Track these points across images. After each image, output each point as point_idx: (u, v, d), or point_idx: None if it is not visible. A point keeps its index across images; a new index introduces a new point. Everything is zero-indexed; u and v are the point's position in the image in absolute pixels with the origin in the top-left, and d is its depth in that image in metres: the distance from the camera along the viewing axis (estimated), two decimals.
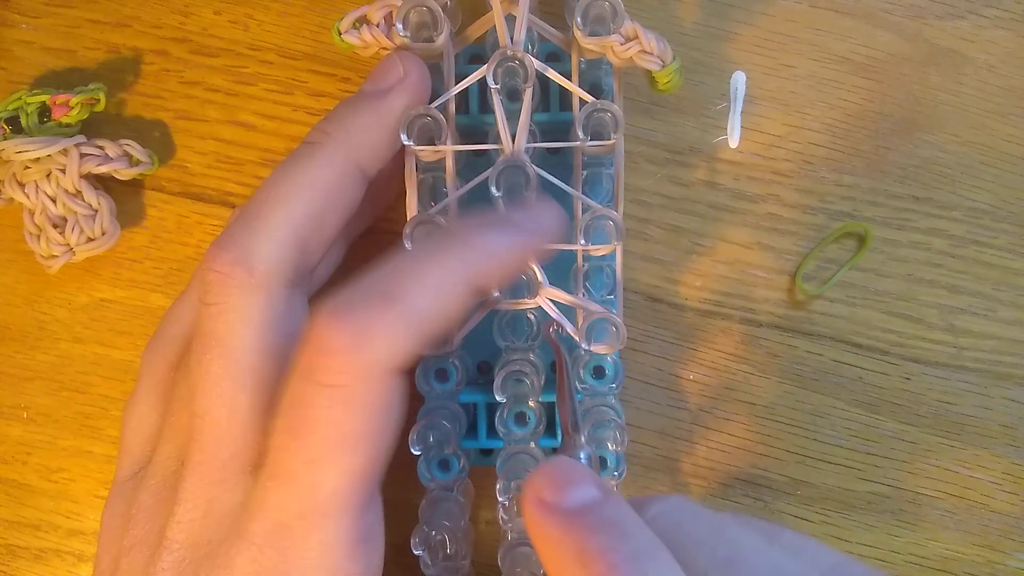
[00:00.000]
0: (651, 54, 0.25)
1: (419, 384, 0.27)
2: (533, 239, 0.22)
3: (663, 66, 0.25)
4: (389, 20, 0.25)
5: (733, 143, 0.27)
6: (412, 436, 0.25)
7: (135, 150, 0.29)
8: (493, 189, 0.24)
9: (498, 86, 0.24)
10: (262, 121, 0.31)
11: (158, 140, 0.31)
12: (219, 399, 0.22)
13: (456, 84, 0.25)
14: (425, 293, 0.20)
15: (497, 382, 0.26)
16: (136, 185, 0.31)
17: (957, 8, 0.31)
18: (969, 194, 0.31)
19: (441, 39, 0.24)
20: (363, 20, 0.26)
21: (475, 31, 0.26)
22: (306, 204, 0.23)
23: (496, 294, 0.24)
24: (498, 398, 0.26)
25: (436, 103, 0.24)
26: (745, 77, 0.30)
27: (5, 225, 0.31)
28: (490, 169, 0.25)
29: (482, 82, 0.25)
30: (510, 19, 0.25)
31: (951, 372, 0.30)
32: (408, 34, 0.24)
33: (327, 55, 0.31)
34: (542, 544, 0.18)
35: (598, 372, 0.27)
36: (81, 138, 0.29)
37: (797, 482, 0.30)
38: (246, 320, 0.22)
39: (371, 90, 0.25)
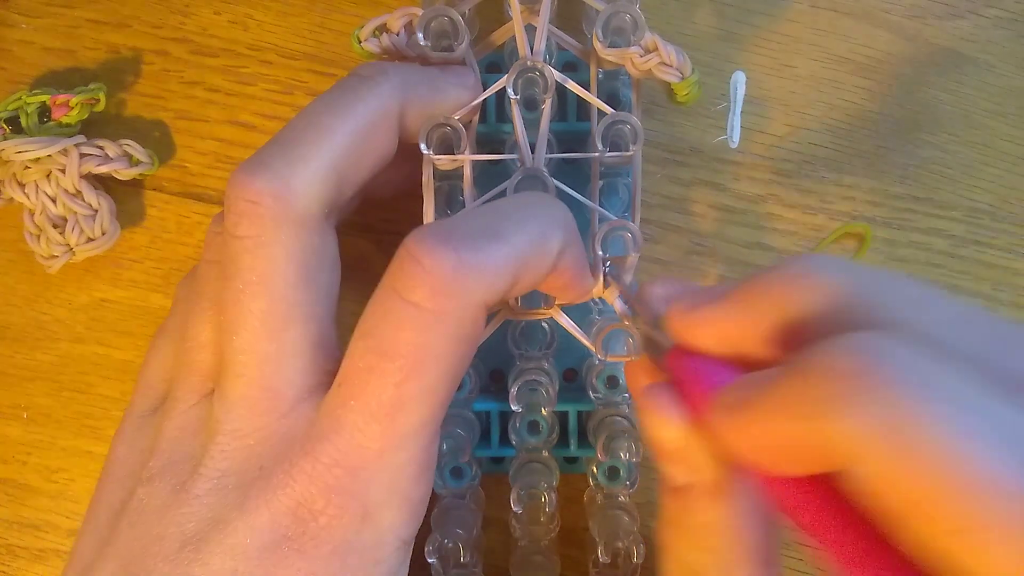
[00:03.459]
0: (671, 66, 0.25)
1: None
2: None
3: (682, 78, 0.25)
4: (409, 29, 0.25)
5: (733, 143, 0.27)
6: None
7: (135, 150, 0.29)
8: None
9: (518, 96, 0.24)
10: (262, 121, 0.31)
11: (158, 140, 0.31)
12: (267, 335, 0.21)
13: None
14: (529, 240, 0.20)
15: (512, 392, 0.25)
16: (136, 185, 0.31)
17: (957, 8, 0.31)
18: (969, 194, 0.31)
19: (461, 48, 0.24)
20: (383, 28, 0.26)
21: (495, 40, 0.26)
22: (349, 138, 0.22)
23: (512, 305, 0.24)
24: (514, 408, 0.26)
25: (458, 113, 0.24)
26: (745, 77, 0.30)
27: (5, 225, 0.31)
28: (509, 180, 0.24)
29: (500, 91, 0.25)
30: (529, 29, 0.25)
31: None
32: (428, 43, 0.24)
33: (327, 55, 0.31)
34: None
35: (611, 382, 0.27)
36: (81, 138, 0.29)
37: None
38: (288, 255, 0.21)
39: (437, 67, 0.25)
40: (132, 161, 0.30)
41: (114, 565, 0.21)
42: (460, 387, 0.26)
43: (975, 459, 0.12)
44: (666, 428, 0.18)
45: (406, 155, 0.25)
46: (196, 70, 0.31)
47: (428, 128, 0.24)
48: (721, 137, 0.30)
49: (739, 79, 0.27)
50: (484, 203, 0.24)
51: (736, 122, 0.26)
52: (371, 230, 0.30)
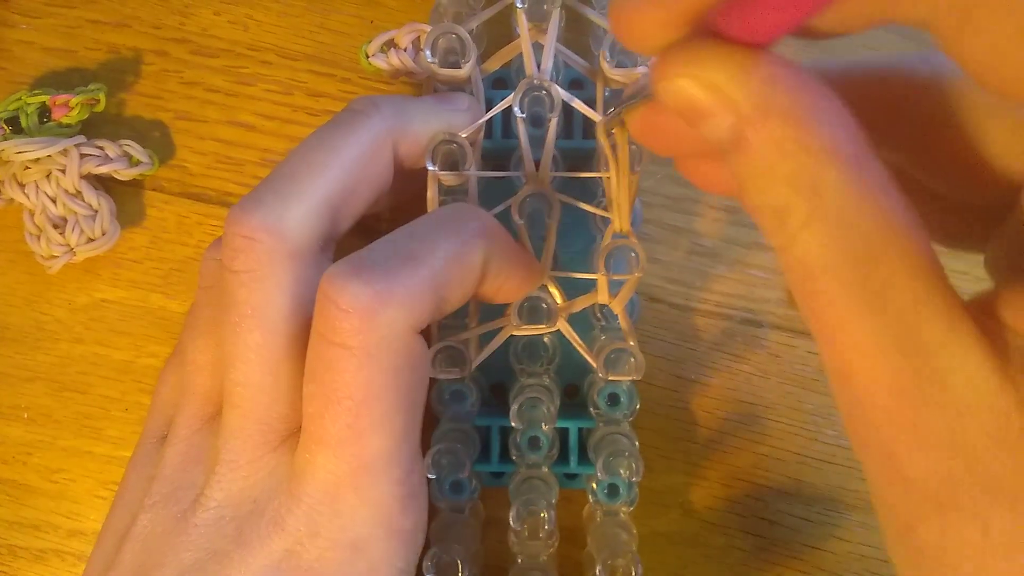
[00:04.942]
0: None
1: (434, 405, 0.27)
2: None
3: None
4: (417, 45, 0.25)
5: None
6: (427, 461, 0.25)
7: (135, 150, 0.29)
8: (516, 217, 0.24)
9: (524, 115, 0.24)
10: (262, 121, 0.31)
11: (158, 140, 0.31)
12: (261, 367, 0.22)
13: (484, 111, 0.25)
14: (445, 256, 0.20)
15: (513, 410, 0.25)
16: (136, 185, 0.31)
17: None
18: None
19: (468, 66, 0.24)
20: (391, 44, 0.26)
21: (501, 58, 0.26)
22: (342, 173, 0.23)
23: (515, 321, 0.24)
24: (515, 425, 0.25)
25: (466, 131, 0.24)
26: None
27: (5, 225, 0.31)
28: (513, 196, 0.24)
29: (506, 108, 0.25)
30: (536, 47, 0.25)
31: None
32: (435, 60, 0.24)
33: (327, 55, 0.31)
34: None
35: (612, 399, 0.27)
36: (81, 138, 0.29)
37: (798, 482, 0.30)
38: (281, 289, 0.22)
39: (434, 97, 0.25)
40: (132, 161, 0.30)
41: None
42: (461, 400, 0.26)
43: None
44: (711, 69, 0.14)
45: (404, 178, 0.25)
46: (196, 70, 0.31)
47: (434, 145, 0.24)
48: None
49: None
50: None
51: None
52: (370, 232, 0.30)
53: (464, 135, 0.24)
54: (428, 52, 0.24)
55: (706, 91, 0.14)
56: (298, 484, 0.21)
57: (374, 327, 0.19)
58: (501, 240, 0.22)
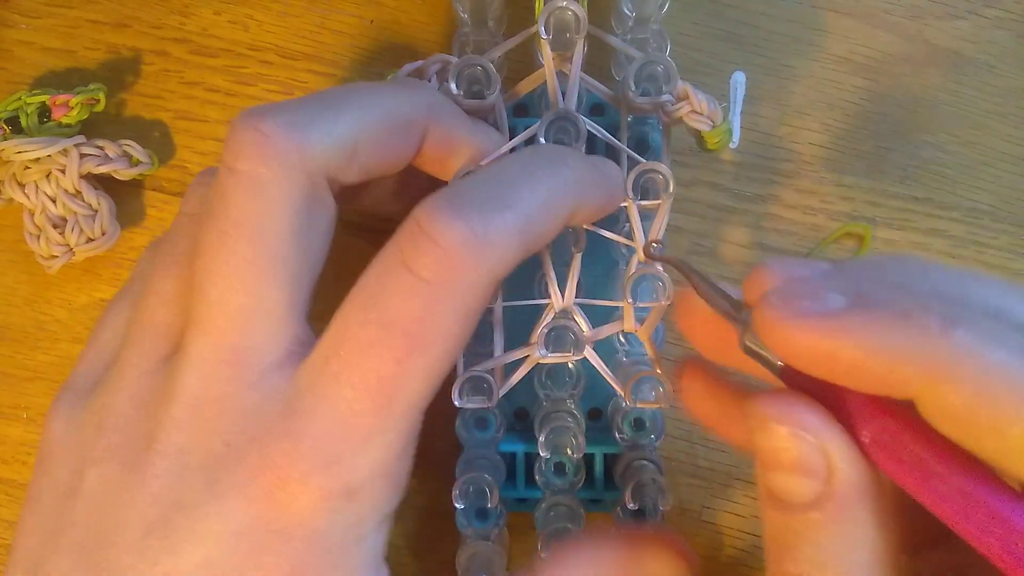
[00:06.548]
0: (702, 114, 0.25)
1: (459, 432, 0.26)
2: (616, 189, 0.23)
3: (713, 127, 0.25)
4: (442, 75, 0.25)
5: (733, 143, 0.27)
6: (455, 492, 0.25)
7: (135, 150, 0.29)
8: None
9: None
10: None
11: (158, 140, 0.31)
12: (243, 286, 0.19)
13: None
14: (538, 202, 0.20)
15: (540, 439, 0.25)
16: (136, 185, 0.31)
17: (957, 8, 0.31)
18: (969, 194, 0.31)
19: (493, 96, 0.24)
20: (417, 74, 0.26)
21: (525, 87, 0.26)
22: (376, 118, 0.21)
23: (541, 352, 0.24)
24: (542, 454, 0.25)
25: (489, 158, 0.24)
26: (745, 77, 0.30)
27: (5, 225, 0.31)
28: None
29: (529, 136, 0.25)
30: (560, 76, 0.24)
31: None
32: (460, 92, 0.24)
33: (327, 55, 0.31)
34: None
35: (638, 424, 0.27)
36: (81, 138, 0.29)
37: None
38: (286, 203, 0.19)
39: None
40: (132, 161, 0.30)
41: (70, 559, 0.19)
42: (486, 427, 0.26)
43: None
44: (798, 440, 0.17)
45: (415, 184, 0.24)
46: (196, 70, 0.31)
47: (459, 176, 0.23)
48: None
49: (739, 79, 0.27)
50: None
51: (736, 122, 0.26)
52: (369, 230, 0.30)
53: (485, 163, 0.24)
54: (453, 84, 0.24)
55: (816, 454, 0.16)
56: (301, 420, 0.18)
57: (464, 267, 0.18)
58: (592, 183, 0.22)
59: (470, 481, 0.25)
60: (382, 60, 0.31)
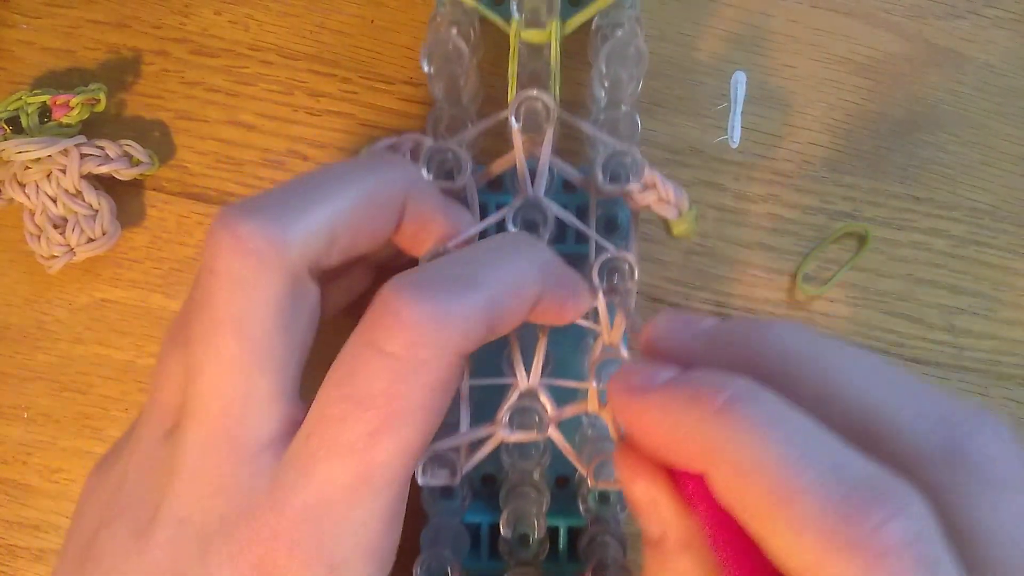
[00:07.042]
0: (668, 202, 0.25)
1: (424, 502, 0.26)
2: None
3: (680, 214, 0.25)
4: (415, 154, 0.25)
5: (733, 143, 0.27)
6: (417, 569, 0.25)
7: (135, 150, 0.29)
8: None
9: (516, 228, 0.24)
10: (262, 121, 0.31)
11: (158, 140, 0.31)
12: (231, 378, 0.20)
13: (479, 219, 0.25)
14: (503, 284, 0.20)
15: (504, 516, 0.26)
16: (136, 185, 0.31)
17: (957, 8, 0.31)
18: (969, 194, 0.31)
19: (463, 180, 0.25)
20: (393, 149, 0.26)
21: (497, 168, 0.26)
22: (351, 204, 0.22)
23: (506, 431, 0.24)
24: (503, 531, 0.26)
25: (458, 239, 0.24)
26: (745, 77, 0.30)
27: (5, 225, 0.31)
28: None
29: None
30: (530, 161, 0.25)
31: (951, 372, 0.30)
32: (431, 175, 0.25)
33: (327, 55, 0.31)
34: (648, 424, 0.18)
35: (603, 498, 0.27)
36: (81, 138, 0.29)
37: None
38: (269, 301, 0.20)
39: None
40: (132, 161, 0.30)
41: None
42: (451, 497, 0.27)
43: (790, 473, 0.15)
44: (636, 484, 0.19)
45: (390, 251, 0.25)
46: (196, 70, 0.31)
47: (431, 255, 0.23)
48: (721, 137, 0.30)
49: (739, 79, 0.27)
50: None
51: (736, 122, 0.26)
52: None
53: (453, 244, 0.24)
54: (424, 168, 0.24)
55: (651, 505, 0.19)
56: (285, 494, 0.20)
57: (430, 343, 0.19)
58: (558, 272, 0.22)
59: (432, 557, 0.25)
60: (382, 60, 0.31)
